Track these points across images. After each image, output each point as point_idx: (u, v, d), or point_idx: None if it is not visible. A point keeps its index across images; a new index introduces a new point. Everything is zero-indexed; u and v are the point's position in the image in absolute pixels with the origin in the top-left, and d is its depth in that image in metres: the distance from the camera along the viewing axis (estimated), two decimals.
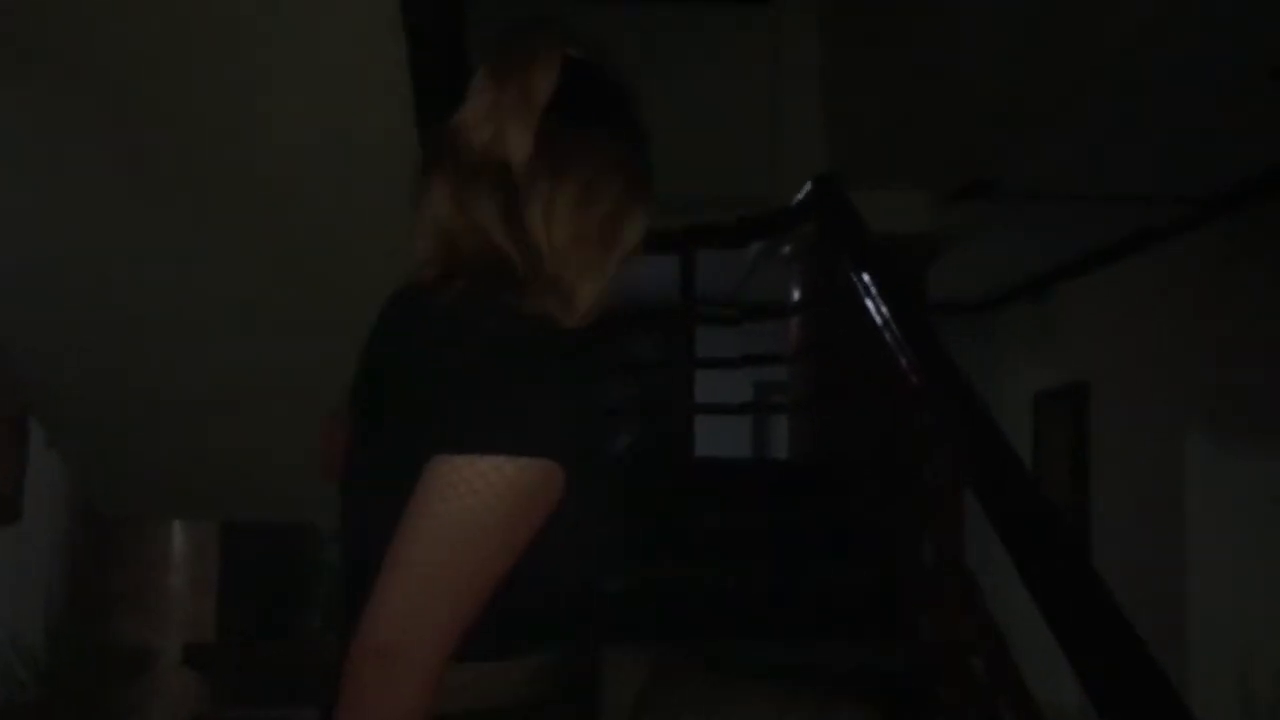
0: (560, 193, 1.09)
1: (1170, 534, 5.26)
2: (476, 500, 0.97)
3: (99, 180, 2.73)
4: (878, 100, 4.80)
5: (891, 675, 2.74)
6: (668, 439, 4.53)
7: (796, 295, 4.90)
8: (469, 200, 1.08)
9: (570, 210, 1.09)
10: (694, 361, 4.31)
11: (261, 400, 3.64)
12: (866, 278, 3.34)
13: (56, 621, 4.94)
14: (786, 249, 5.00)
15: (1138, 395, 5.65)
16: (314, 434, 1.37)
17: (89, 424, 3.64)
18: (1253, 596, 4.70)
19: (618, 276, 1.14)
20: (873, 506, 3.21)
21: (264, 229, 2.98)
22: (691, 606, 2.63)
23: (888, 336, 3.14)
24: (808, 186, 4.01)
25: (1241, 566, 4.81)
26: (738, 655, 2.01)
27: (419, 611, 0.95)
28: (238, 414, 3.75)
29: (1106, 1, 3.53)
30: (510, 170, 1.08)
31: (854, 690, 2.12)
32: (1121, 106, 3.99)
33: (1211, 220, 4.94)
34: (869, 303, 3.28)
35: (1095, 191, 4.83)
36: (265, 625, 6.17)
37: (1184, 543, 5.21)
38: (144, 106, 2.55)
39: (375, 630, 0.94)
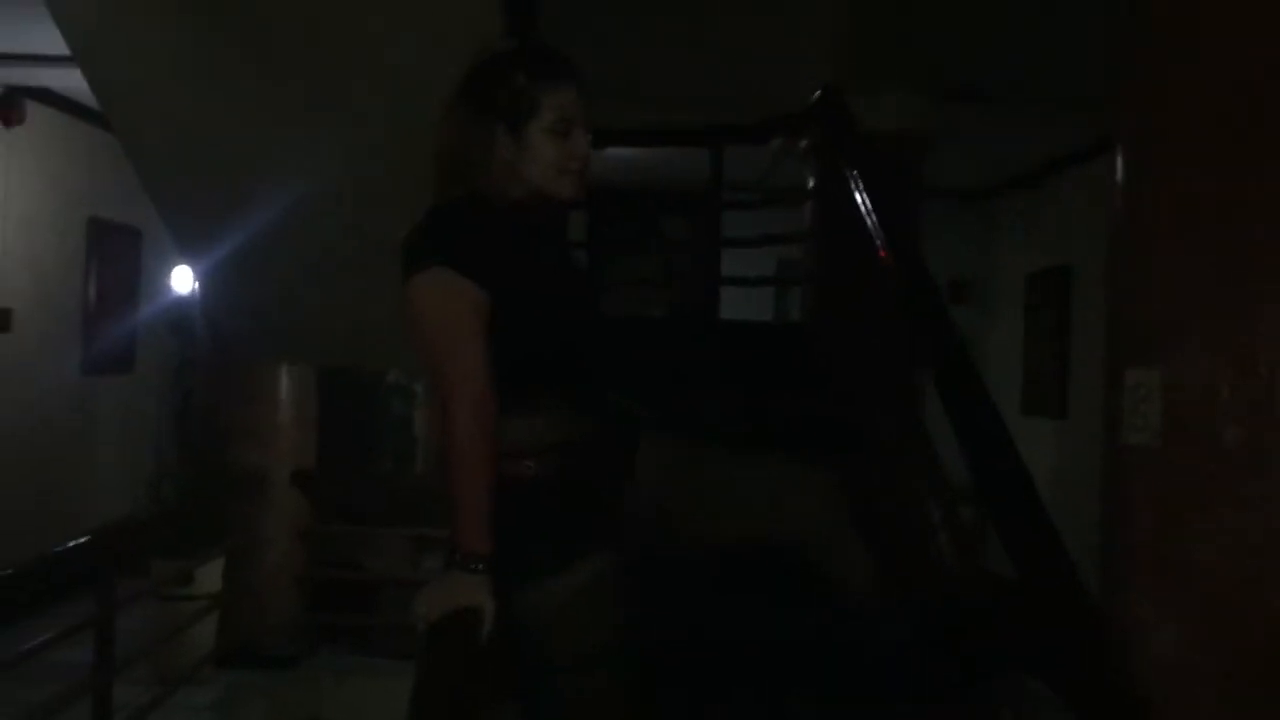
0: None
1: None
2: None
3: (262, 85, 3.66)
4: (885, 11, 5.48)
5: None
6: (698, 306, 5.43)
7: (811, 184, 5.67)
8: None
9: None
10: (719, 241, 5.16)
11: (356, 270, 4.53)
12: (855, 172, 4.13)
13: (189, 449, 5.96)
14: (803, 143, 5.75)
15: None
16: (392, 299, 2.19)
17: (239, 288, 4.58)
18: None
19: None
20: (849, 358, 4.08)
21: (376, 126, 3.87)
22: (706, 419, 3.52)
23: (869, 223, 3.94)
24: (816, 94, 4.76)
25: None
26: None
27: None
28: (337, 279, 4.66)
29: None
30: None
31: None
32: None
33: None
34: (857, 194, 4.08)
35: (1076, 94, 5.52)
36: (350, 460, 7.19)
37: None
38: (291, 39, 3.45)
39: None
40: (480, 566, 1.72)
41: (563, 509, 1.85)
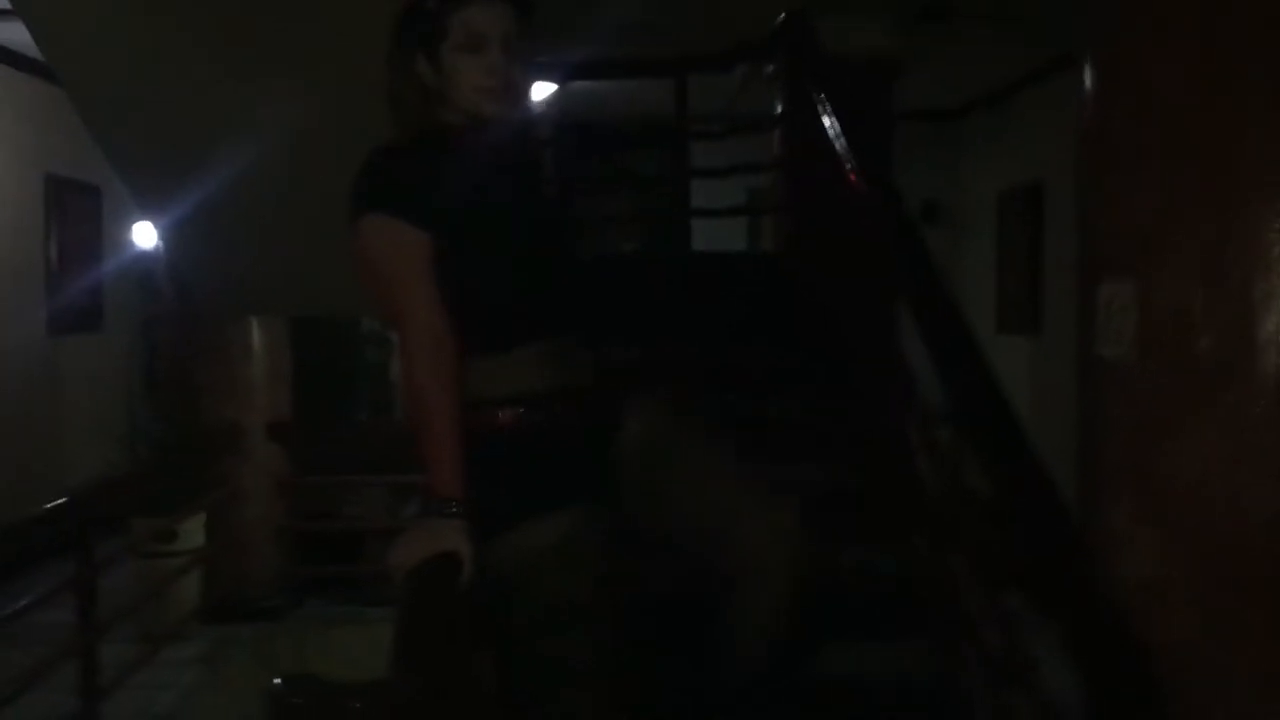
0: None
1: None
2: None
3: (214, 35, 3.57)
4: None
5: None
6: (669, 238, 5.38)
7: (779, 111, 5.59)
8: None
9: None
10: (688, 173, 5.09)
11: (322, 218, 4.47)
12: (823, 96, 4.07)
13: (164, 406, 5.91)
14: (769, 69, 5.66)
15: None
16: None
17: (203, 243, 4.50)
18: None
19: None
20: (823, 289, 4.05)
21: (335, 72, 3.78)
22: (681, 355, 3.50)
23: (838, 146, 3.89)
24: (780, 18, 4.68)
25: None
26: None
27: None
28: (303, 230, 4.59)
29: None
30: None
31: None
32: None
33: None
34: (824, 118, 4.02)
35: (1039, 12, 5.45)
36: (326, 411, 7.15)
37: None
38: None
39: None
40: (454, 510, 1.70)
41: (534, 460, 1.79)
